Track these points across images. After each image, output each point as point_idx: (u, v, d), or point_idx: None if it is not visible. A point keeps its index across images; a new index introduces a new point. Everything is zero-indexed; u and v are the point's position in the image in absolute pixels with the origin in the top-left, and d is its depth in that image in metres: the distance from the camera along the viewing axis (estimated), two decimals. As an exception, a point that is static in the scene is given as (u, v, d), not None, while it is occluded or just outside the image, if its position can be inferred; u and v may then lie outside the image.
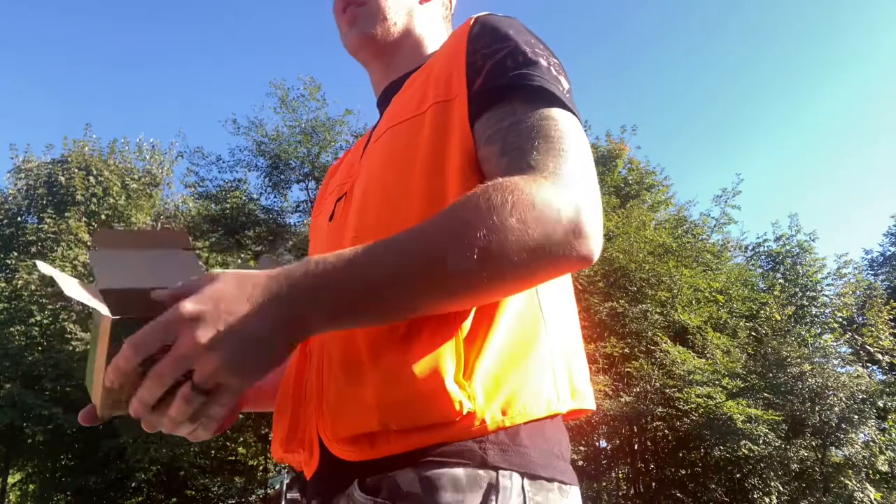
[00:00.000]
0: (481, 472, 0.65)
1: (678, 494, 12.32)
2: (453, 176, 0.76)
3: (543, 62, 0.80)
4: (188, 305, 0.60)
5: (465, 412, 0.65)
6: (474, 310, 0.71)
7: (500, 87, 0.77)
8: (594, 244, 0.67)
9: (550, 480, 0.70)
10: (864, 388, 11.53)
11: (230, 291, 0.61)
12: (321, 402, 0.74)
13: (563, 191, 0.67)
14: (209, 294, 0.61)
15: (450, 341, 0.67)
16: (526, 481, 0.67)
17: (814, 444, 11.72)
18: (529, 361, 0.71)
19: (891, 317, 14.10)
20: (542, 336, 0.74)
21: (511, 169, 0.71)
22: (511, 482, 0.66)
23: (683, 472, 13.21)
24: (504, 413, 0.67)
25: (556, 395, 0.72)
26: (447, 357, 0.66)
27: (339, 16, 1.06)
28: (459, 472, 0.65)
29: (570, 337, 0.81)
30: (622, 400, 11.55)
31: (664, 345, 11.85)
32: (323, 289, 0.63)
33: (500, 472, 0.66)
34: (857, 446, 11.43)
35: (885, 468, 11.65)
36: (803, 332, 13.98)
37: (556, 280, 0.79)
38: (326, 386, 0.73)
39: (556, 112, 0.76)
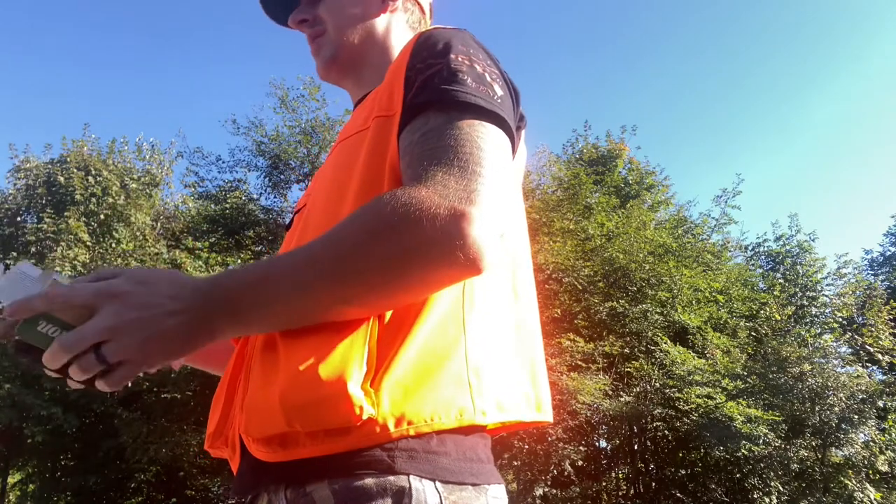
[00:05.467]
0: (391, 478, 0.67)
1: (678, 494, 12.31)
2: (382, 191, 0.77)
3: (478, 68, 0.81)
4: (121, 283, 0.67)
5: (365, 417, 0.66)
6: (391, 317, 0.72)
7: (422, 101, 0.78)
8: (473, 249, 0.67)
9: (462, 483, 0.71)
10: (864, 388, 11.53)
11: (157, 283, 0.69)
12: (243, 400, 0.76)
13: (440, 198, 0.67)
14: (140, 278, 0.68)
15: (362, 348, 0.69)
16: (439, 484, 0.68)
17: (814, 444, 11.72)
18: (443, 374, 0.71)
19: (891, 317, 14.09)
20: (461, 350, 0.74)
21: (407, 181, 0.73)
22: (423, 485, 0.67)
23: (683, 472, 13.20)
24: (410, 423, 0.68)
25: (472, 407, 0.72)
26: (355, 362, 0.67)
27: (310, 48, 1.09)
28: (370, 481, 0.67)
29: (506, 350, 0.81)
30: (622, 400, 11.54)
31: (664, 345, 11.83)
32: (230, 294, 0.69)
33: (411, 476, 0.67)
34: (857, 446, 11.42)
35: (885, 468, 11.64)
36: (803, 332, 13.96)
37: (493, 292, 0.81)
38: (249, 385, 0.75)
39: (466, 120, 0.76)
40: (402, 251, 0.67)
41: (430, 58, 0.82)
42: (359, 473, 0.67)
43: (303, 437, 0.68)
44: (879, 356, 13.56)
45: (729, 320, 13.76)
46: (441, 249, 0.66)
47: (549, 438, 11.32)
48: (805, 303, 15.96)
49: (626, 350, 12.69)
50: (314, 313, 0.70)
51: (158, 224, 17.55)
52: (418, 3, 1.13)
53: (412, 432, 0.68)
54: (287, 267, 0.70)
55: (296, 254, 0.71)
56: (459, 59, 0.81)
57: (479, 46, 0.87)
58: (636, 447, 13.32)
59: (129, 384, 0.82)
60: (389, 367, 0.69)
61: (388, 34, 1.06)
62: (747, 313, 14.19)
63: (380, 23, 1.06)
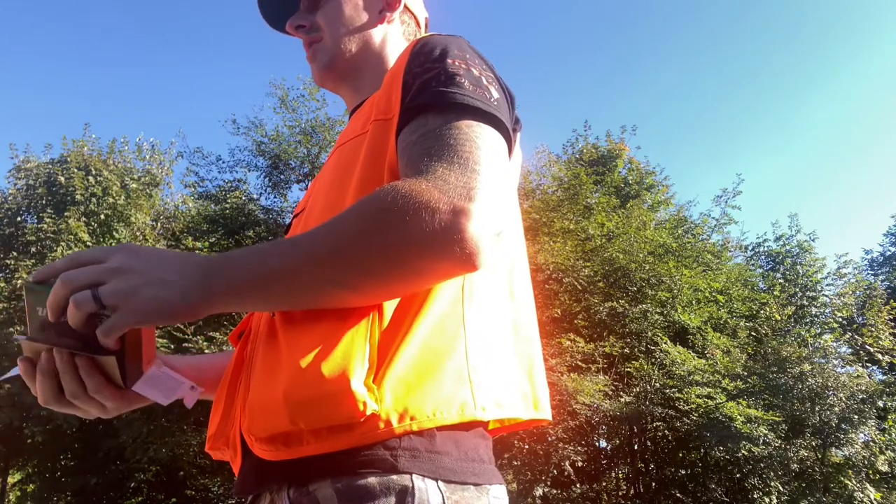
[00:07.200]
0: (394, 477, 0.68)
1: (678, 495, 12.31)
2: None
3: (474, 72, 0.83)
4: (130, 244, 0.72)
5: (368, 413, 0.67)
6: (392, 314, 0.74)
7: (421, 103, 0.80)
8: (471, 245, 0.68)
9: (464, 483, 0.71)
10: (864, 388, 11.52)
11: (164, 251, 0.73)
12: (245, 400, 0.77)
13: (441, 193, 0.69)
14: (150, 247, 0.73)
15: (363, 344, 0.70)
16: (441, 484, 0.69)
17: (814, 444, 11.71)
18: (444, 369, 0.73)
19: (891, 317, 14.08)
20: (461, 346, 0.75)
21: (406, 176, 0.75)
22: (426, 484, 0.68)
23: (683, 472, 13.20)
24: (413, 418, 0.69)
25: (472, 402, 0.73)
26: (358, 359, 0.68)
27: (306, 53, 1.11)
28: (373, 480, 0.68)
29: (504, 348, 0.83)
30: (622, 400, 11.54)
31: (664, 345, 11.83)
32: (229, 264, 0.72)
33: (414, 475, 0.68)
34: (857, 446, 11.41)
35: (885, 468, 11.63)
36: (803, 332, 13.97)
37: (492, 291, 0.83)
38: (251, 384, 0.76)
39: (465, 121, 0.78)
40: (401, 241, 0.68)
41: (427, 62, 0.83)
42: (362, 472, 0.68)
43: (306, 435, 0.69)
44: (879, 356, 13.55)
45: (729, 320, 13.76)
46: (439, 243, 0.67)
47: (549, 438, 11.32)
48: (805, 303, 15.95)
49: (626, 350, 12.68)
50: (310, 295, 0.72)
51: (158, 224, 17.54)
52: (414, 17, 1.16)
53: (415, 427, 0.69)
54: (289, 247, 0.72)
55: (298, 237, 0.73)
56: (456, 63, 0.83)
57: (474, 52, 0.89)
58: (636, 447, 13.32)
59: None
60: (391, 363, 0.70)
61: (385, 44, 1.08)
62: (747, 313, 14.18)
63: (377, 33, 1.08)
